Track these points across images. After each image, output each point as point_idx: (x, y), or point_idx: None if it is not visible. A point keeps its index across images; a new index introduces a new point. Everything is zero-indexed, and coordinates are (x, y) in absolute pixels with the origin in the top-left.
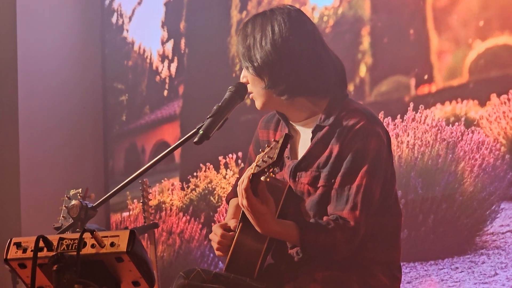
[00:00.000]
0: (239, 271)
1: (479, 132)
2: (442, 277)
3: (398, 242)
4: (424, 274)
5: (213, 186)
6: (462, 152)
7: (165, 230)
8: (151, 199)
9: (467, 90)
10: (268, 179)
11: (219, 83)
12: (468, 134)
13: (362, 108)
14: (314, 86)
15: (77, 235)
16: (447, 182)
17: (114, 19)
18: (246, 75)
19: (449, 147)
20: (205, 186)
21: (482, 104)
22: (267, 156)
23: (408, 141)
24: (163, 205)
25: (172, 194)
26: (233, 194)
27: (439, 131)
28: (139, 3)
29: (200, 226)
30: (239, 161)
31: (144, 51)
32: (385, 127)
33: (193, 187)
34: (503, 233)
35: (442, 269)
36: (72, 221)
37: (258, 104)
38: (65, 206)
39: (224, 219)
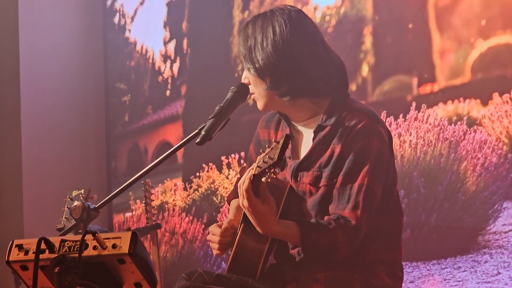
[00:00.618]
0: (242, 272)
1: (481, 131)
2: (445, 276)
3: (400, 241)
4: (427, 273)
5: (216, 186)
6: (464, 151)
7: (168, 230)
8: (153, 200)
9: (469, 89)
10: (269, 180)
11: (222, 83)
12: (470, 133)
13: (364, 107)
14: (315, 87)
15: (79, 237)
16: (450, 182)
17: (116, 19)
18: (247, 76)
19: (452, 146)
20: (207, 186)
21: (485, 103)
22: (268, 157)
23: (410, 141)
24: (166, 206)
25: (175, 195)
26: (234, 194)
27: (441, 131)
28: (141, 3)
29: (203, 226)
30: (242, 161)
31: (146, 51)
32: (387, 126)
33: (196, 187)
34: (505, 232)
35: (444, 268)
36: (75, 222)
37: (260, 105)
38: (67, 207)
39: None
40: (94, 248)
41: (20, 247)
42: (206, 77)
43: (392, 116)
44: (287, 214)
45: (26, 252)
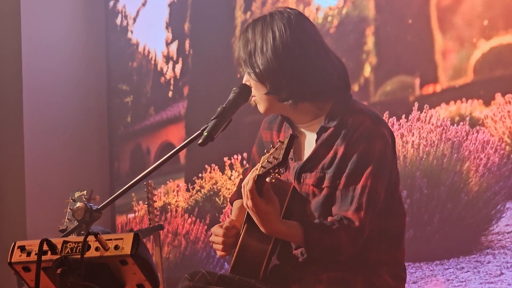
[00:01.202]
0: (245, 272)
1: (484, 132)
2: (447, 277)
3: (402, 242)
4: (430, 274)
5: (218, 187)
6: (467, 151)
7: (170, 231)
8: (156, 201)
9: (471, 89)
10: (273, 180)
11: (224, 84)
12: (473, 133)
13: (367, 109)
14: (316, 91)
15: (81, 238)
16: (452, 182)
17: (118, 21)
18: (248, 80)
19: (454, 146)
20: (210, 187)
21: (487, 103)
22: (272, 157)
23: (413, 141)
24: (169, 207)
25: (177, 196)
26: (237, 195)
27: (444, 131)
28: (143, 4)
29: (206, 227)
30: (244, 162)
31: (148, 52)
32: (390, 127)
33: (198, 188)
34: (508, 233)
35: (447, 269)
36: (77, 223)
37: (261, 108)
38: (69, 208)
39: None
40: (97, 249)
41: (22, 248)
42: (208, 78)
43: (394, 117)
44: (290, 214)
45: (29, 254)
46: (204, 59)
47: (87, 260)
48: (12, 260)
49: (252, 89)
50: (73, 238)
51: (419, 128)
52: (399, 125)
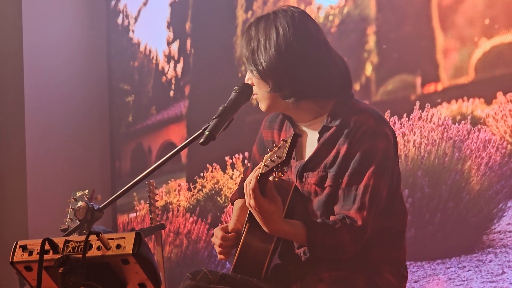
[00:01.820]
0: (246, 271)
1: (485, 131)
2: (449, 276)
3: (404, 241)
4: (432, 273)
5: (220, 187)
6: (468, 150)
7: (172, 230)
8: (157, 200)
9: (473, 88)
10: (276, 179)
11: (225, 83)
12: (474, 132)
13: (369, 108)
14: (319, 89)
15: (83, 238)
16: (454, 181)
17: (119, 20)
18: (250, 77)
19: (456, 145)
20: (211, 187)
21: (488, 102)
22: (276, 156)
23: (414, 140)
24: (170, 206)
25: (179, 195)
26: (238, 194)
27: (445, 130)
28: (145, 4)
29: (207, 226)
30: (246, 161)
31: (150, 51)
32: (392, 126)
33: (200, 187)
34: (510, 231)
35: (449, 268)
36: (79, 222)
37: (263, 106)
38: (71, 208)
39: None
40: (98, 248)
41: (24, 248)
42: (210, 77)
43: (396, 116)
44: (292, 214)
45: (30, 253)
46: (205, 58)
47: (89, 259)
48: (14, 260)
49: (254, 87)
50: (75, 237)
51: (421, 127)
52: (401, 124)
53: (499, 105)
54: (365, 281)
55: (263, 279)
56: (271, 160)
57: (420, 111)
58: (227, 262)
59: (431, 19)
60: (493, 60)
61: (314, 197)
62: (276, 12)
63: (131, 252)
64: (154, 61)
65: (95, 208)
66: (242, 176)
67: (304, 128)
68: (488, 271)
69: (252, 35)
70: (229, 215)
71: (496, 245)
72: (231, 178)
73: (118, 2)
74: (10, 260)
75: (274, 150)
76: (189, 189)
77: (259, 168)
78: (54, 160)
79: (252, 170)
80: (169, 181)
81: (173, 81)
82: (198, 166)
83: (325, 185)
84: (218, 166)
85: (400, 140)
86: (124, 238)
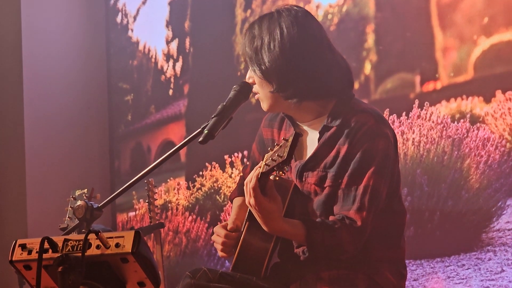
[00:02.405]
0: (246, 270)
1: (484, 129)
2: (448, 274)
3: (403, 240)
4: (431, 271)
5: (219, 185)
6: (467, 149)
7: (171, 229)
8: (157, 199)
9: (472, 86)
10: (277, 178)
11: (224, 82)
12: (473, 130)
13: (370, 108)
14: (321, 89)
15: (82, 236)
16: (453, 179)
17: (118, 19)
18: (252, 76)
19: (455, 144)
20: (211, 185)
21: (487, 100)
22: (277, 155)
23: (413, 138)
24: (169, 205)
25: (178, 194)
26: (237, 193)
27: (444, 128)
28: (144, 3)
29: (206, 225)
30: (245, 160)
31: (149, 50)
32: (391, 125)
33: (199, 186)
34: (509, 230)
35: (448, 266)
36: (78, 221)
37: (265, 106)
38: (70, 207)
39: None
40: (97, 247)
41: (23, 246)
42: (209, 76)
43: (395, 114)
44: (292, 213)
45: (30, 252)
46: (204, 57)
47: (88, 258)
48: (13, 259)
49: (255, 86)
50: (74, 236)
51: (420, 126)
52: (400, 122)
53: (498, 103)
54: (364, 280)
55: (263, 278)
56: (272, 159)
57: (419, 109)
58: (227, 261)
59: (430, 17)
60: (492, 59)
61: (313, 196)
62: (279, 11)
63: (130, 251)
64: (153, 60)
65: (94, 207)
66: (241, 174)
67: (304, 128)
68: (487, 269)
69: (255, 34)
70: (228, 214)
71: (495, 243)
72: (230, 176)
73: (117, 1)
74: (10, 259)
75: (275, 149)
76: (188, 188)
77: (260, 167)
78: (53, 159)
79: (251, 169)
80: (168, 180)
81: (172, 80)
82: (197, 165)
83: (325, 185)
84: (217, 165)
85: (399, 138)
86: (123, 237)
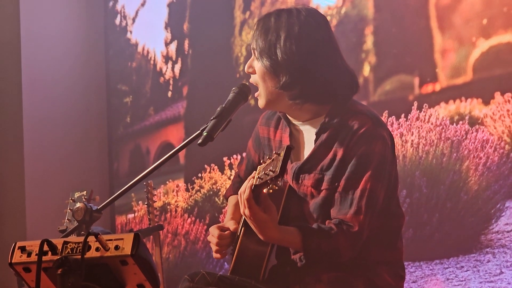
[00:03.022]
0: (245, 273)
1: (483, 131)
2: (447, 276)
3: (401, 241)
4: (430, 273)
5: (218, 187)
6: (466, 150)
7: (170, 231)
8: (155, 201)
9: (471, 88)
10: (270, 191)
11: (223, 84)
12: (472, 132)
13: (367, 110)
14: (327, 94)
15: (81, 239)
16: (452, 181)
17: (117, 21)
18: (253, 66)
19: (454, 146)
20: (210, 187)
21: (486, 102)
22: (269, 169)
23: (412, 140)
24: (168, 207)
25: (177, 196)
26: (232, 191)
27: (443, 130)
28: (143, 5)
29: (205, 227)
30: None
31: (148, 52)
32: (389, 126)
33: (198, 188)
34: (508, 232)
35: (447, 268)
36: (77, 223)
37: (262, 101)
38: (69, 209)
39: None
40: (97, 249)
41: (22, 249)
42: (208, 78)
43: (393, 116)
44: (287, 216)
45: (29, 254)
46: (203, 59)
47: (88, 260)
48: (13, 261)
49: (255, 77)
50: (73, 238)
51: (419, 127)
52: (398, 124)
53: (497, 105)
54: (363, 282)
55: (261, 281)
56: (264, 173)
57: (418, 111)
58: (226, 263)
59: (429, 19)
60: (491, 60)
61: (310, 199)
62: (299, 10)
63: (129, 253)
64: (152, 62)
65: (93, 209)
66: (237, 170)
67: (300, 127)
68: (486, 271)
69: (271, 27)
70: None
71: (494, 245)
72: (229, 178)
73: (116, 3)
74: (9, 261)
75: (267, 162)
76: (187, 190)
77: (253, 177)
78: (52, 161)
79: (246, 166)
80: (167, 182)
81: (171, 81)
82: (196, 167)
83: (322, 188)
84: (216, 167)
85: (398, 140)
86: (122, 239)
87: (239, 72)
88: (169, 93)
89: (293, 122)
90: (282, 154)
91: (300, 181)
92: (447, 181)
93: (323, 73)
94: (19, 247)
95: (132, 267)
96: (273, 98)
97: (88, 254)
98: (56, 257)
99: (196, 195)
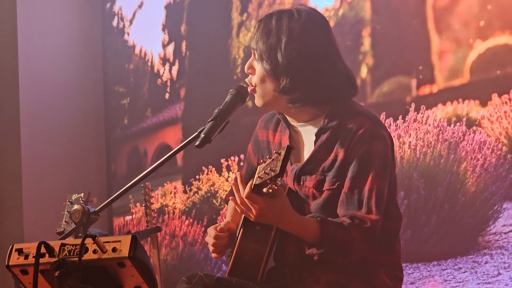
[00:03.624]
0: (243, 275)
1: (480, 132)
2: (445, 277)
3: (398, 243)
4: (428, 274)
5: (216, 189)
6: (464, 152)
7: (168, 233)
8: (153, 203)
9: (468, 90)
10: (270, 191)
11: (221, 86)
12: (469, 134)
13: (366, 110)
14: (327, 97)
15: (78, 241)
16: (450, 183)
17: (115, 23)
18: (253, 66)
19: (451, 147)
20: (207, 189)
21: (484, 104)
22: (269, 169)
23: (410, 142)
24: (166, 209)
25: (175, 197)
26: (232, 193)
27: (440, 132)
28: (140, 6)
29: (203, 229)
30: (241, 163)
31: (145, 54)
32: (388, 129)
33: (196, 190)
34: (505, 233)
35: (445, 269)
36: (75, 225)
37: (260, 102)
38: (67, 211)
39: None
40: (94, 251)
41: (20, 251)
42: (205, 79)
43: (391, 118)
44: None
45: (26, 257)
46: (200, 60)
47: (85, 262)
48: (10, 263)
49: (253, 78)
50: (70, 240)
51: (416, 129)
52: (396, 126)
53: (494, 106)
54: (361, 283)
55: (259, 282)
56: (264, 172)
57: (416, 113)
58: (223, 265)
59: (426, 21)
60: (488, 62)
61: (312, 200)
62: (300, 12)
63: (127, 255)
64: (149, 64)
65: (91, 211)
66: (234, 172)
67: (299, 129)
68: (484, 272)
69: (272, 30)
70: (225, 217)
71: (492, 247)
72: (227, 180)
73: (113, 5)
74: (6, 263)
75: (267, 162)
76: (184, 192)
77: (253, 178)
78: (49, 163)
79: (246, 170)
80: (165, 184)
81: (168, 83)
82: (193, 169)
83: (323, 189)
84: (213, 169)
85: (395, 142)
86: (120, 241)
87: (237, 74)
88: (167, 95)
89: (292, 123)
90: (283, 153)
91: (301, 183)
92: (445, 183)
93: (323, 76)
94: (16, 249)
95: (130, 269)
96: (271, 100)
97: (86, 256)
98: (53, 259)
99: (193, 197)
